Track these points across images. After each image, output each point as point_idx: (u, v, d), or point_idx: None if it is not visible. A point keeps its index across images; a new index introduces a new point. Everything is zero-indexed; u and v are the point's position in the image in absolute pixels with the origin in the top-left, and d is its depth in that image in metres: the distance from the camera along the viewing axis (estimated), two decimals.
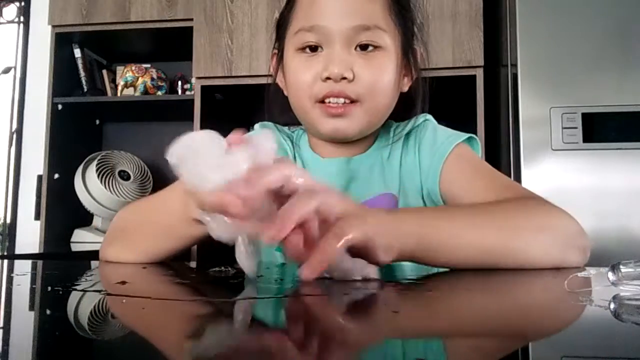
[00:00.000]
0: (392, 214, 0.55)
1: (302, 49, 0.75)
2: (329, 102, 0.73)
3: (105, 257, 0.71)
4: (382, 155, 0.81)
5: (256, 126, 0.89)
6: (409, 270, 0.62)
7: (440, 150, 0.77)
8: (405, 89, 0.81)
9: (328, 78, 0.72)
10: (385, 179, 0.79)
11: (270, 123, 0.88)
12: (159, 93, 2.15)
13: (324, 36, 0.73)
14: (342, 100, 0.72)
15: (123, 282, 0.49)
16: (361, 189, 0.78)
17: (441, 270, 0.58)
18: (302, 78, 0.75)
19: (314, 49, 0.74)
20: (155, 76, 2.16)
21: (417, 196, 0.78)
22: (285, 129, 0.89)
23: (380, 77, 0.74)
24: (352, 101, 0.73)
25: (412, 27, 0.81)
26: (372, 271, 0.48)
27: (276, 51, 0.83)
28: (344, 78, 0.71)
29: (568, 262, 0.59)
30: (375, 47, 0.73)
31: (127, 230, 0.72)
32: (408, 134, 0.81)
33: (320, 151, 0.83)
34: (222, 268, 0.54)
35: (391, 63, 0.75)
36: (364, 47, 0.73)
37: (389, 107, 0.78)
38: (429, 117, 0.83)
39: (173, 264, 0.68)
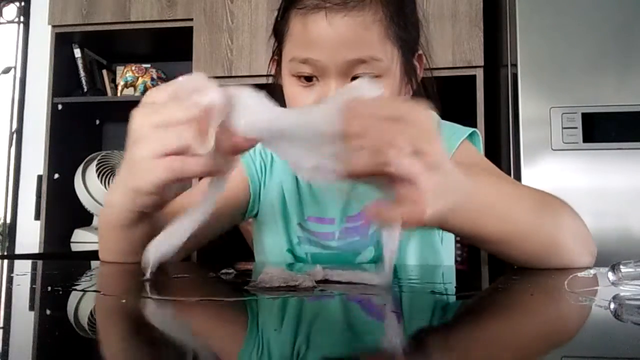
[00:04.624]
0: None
1: (297, 76, 0.73)
2: None
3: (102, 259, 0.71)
4: None
5: None
6: (409, 270, 0.62)
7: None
8: (408, 97, 0.79)
9: None
10: None
11: None
12: None
13: (318, 68, 0.70)
14: None
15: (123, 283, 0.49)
16: (363, 194, 0.78)
17: (439, 269, 0.58)
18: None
19: (309, 77, 0.72)
20: (155, 76, 2.16)
21: None
22: None
23: None
24: None
25: (416, 38, 0.78)
26: (383, 278, 0.46)
27: (276, 57, 0.82)
28: None
29: (582, 264, 0.60)
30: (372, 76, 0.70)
31: (99, 234, 0.70)
32: None
33: None
34: (231, 270, 0.54)
35: (388, 89, 0.72)
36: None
37: None
38: (432, 113, 0.82)
39: (173, 264, 0.68)
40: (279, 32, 0.78)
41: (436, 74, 0.83)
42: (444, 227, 0.55)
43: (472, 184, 0.51)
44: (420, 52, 0.80)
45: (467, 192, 0.50)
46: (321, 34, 0.69)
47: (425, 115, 0.45)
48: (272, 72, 0.85)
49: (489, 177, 0.59)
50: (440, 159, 0.44)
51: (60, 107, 2.09)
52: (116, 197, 0.56)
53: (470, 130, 0.80)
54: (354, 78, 0.70)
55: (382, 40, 0.70)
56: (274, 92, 0.82)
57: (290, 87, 0.74)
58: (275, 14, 0.83)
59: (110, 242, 0.65)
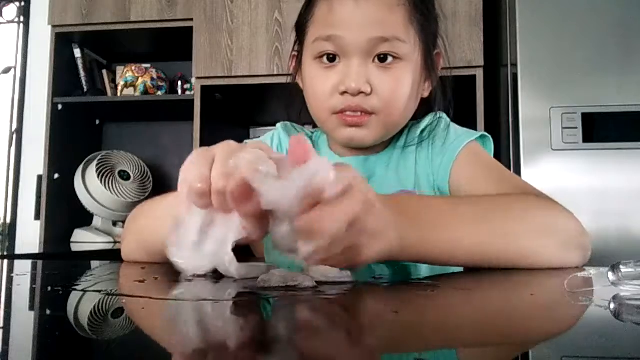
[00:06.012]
0: (392, 204, 0.50)
1: (320, 57, 0.74)
2: (346, 112, 0.73)
3: (124, 256, 0.71)
4: (397, 153, 0.81)
5: (278, 126, 0.90)
6: (412, 269, 0.62)
7: (451, 149, 0.77)
8: (426, 94, 0.81)
9: (345, 92, 0.71)
10: (400, 177, 0.79)
11: (289, 123, 0.89)
12: (159, 93, 2.15)
13: (341, 47, 0.72)
14: (358, 112, 0.73)
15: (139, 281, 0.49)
16: (378, 187, 0.78)
17: (440, 269, 0.58)
18: (319, 90, 0.75)
19: (332, 58, 0.73)
20: (155, 76, 2.16)
21: (432, 193, 0.78)
22: (306, 129, 0.90)
23: (398, 90, 0.73)
24: (369, 112, 0.73)
25: (435, 32, 0.80)
26: (346, 273, 0.46)
27: (295, 53, 0.83)
28: (362, 92, 0.71)
29: (569, 262, 0.59)
30: (395, 57, 0.72)
31: (139, 233, 0.70)
32: (422, 132, 0.82)
33: (338, 151, 0.83)
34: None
35: (410, 74, 0.74)
36: (383, 57, 0.72)
37: (407, 116, 0.78)
38: (443, 114, 0.83)
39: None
40: (302, 24, 0.79)
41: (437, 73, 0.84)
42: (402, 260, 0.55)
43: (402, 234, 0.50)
44: (438, 50, 0.81)
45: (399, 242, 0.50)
46: (346, 13, 0.71)
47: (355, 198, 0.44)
48: (292, 69, 0.86)
49: (441, 206, 0.57)
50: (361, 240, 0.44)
51: (60, 107, 2.09)
52: None
53: (479, 133, 0.80)
54: (376, 58, 0.72)
55: (405, 24, 0.72)
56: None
57: (312, 70, 0.76)
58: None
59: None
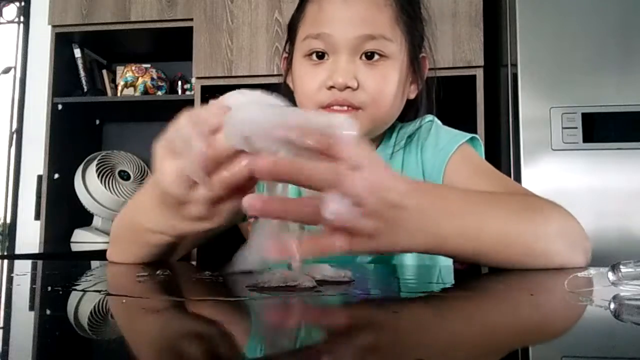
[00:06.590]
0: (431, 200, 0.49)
1: (309, 55, 0.76)
2: (333, 107, 0.74)
3: (109, 258, 0.71)
4: (386, 156, 0.82)
5: None
6: (409, 270, 0.62)
7: (443, 152, 0.78)
8: (412, 96, 0.82)
9: (332, 87, 0.73)
10: None
11: None
12: (159, 93, 2.15)
13: (329, 44, 0.74)
14: (345, 107, 0.74)
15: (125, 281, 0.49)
16: None
17: (437, 269, 0.58)
18: (307, 86, 0.76)
19: (320, 56, 0.75)
20: (155, 76, 2.16)
21: None
22: None
23: (384, 87, 0.75)
24: (356, 107, 0.74)
25: (421, 34, 0.82)
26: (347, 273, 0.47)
27: (286, 55, 0.85)
28: (348, 87, 0.72)
29: (574, 263, 0.59)
30: (381, 55, 0.74)
31: (117, 234, 0.68)
32: (410, 135, 0.82)
33: None
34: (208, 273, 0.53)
35: (396, 72, 0.75)
36: (369, 55, 0.74)
37: (393, 114, 0.79)
38: (433, 117, 0.84)
39: (173, 264, 0.68)
40: (293, 25, 0.81)
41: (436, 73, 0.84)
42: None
43: (436, 217, 0.49)
44: (424, 54, 0.82)
45: (428, 230, 0.49)
46: (335, 11, 0.74)
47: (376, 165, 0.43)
48: (283, 70, 0.87)
49: (461, 196, 0.56)
50: (383, 207, 0.43)
51: (60, 107, 2.09)
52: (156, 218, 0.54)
53: (469, 135, 0.80)
54: (363, 55, 0.73)
55: (392, 24, 0.75)
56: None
57: (302, 68, 0.77)
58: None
59: (133, 249, 0.62)
